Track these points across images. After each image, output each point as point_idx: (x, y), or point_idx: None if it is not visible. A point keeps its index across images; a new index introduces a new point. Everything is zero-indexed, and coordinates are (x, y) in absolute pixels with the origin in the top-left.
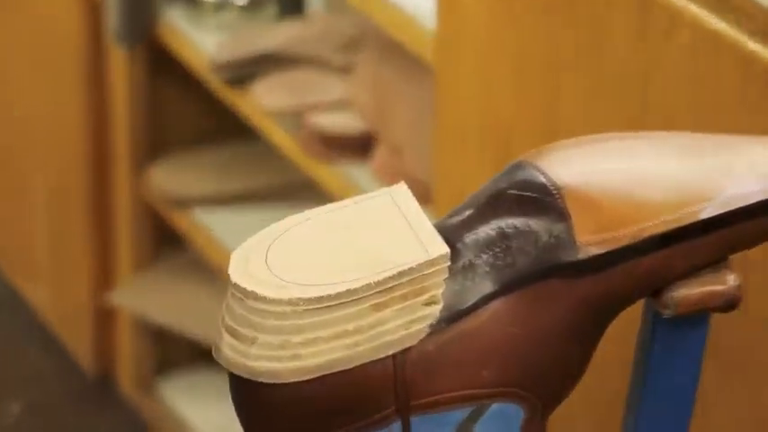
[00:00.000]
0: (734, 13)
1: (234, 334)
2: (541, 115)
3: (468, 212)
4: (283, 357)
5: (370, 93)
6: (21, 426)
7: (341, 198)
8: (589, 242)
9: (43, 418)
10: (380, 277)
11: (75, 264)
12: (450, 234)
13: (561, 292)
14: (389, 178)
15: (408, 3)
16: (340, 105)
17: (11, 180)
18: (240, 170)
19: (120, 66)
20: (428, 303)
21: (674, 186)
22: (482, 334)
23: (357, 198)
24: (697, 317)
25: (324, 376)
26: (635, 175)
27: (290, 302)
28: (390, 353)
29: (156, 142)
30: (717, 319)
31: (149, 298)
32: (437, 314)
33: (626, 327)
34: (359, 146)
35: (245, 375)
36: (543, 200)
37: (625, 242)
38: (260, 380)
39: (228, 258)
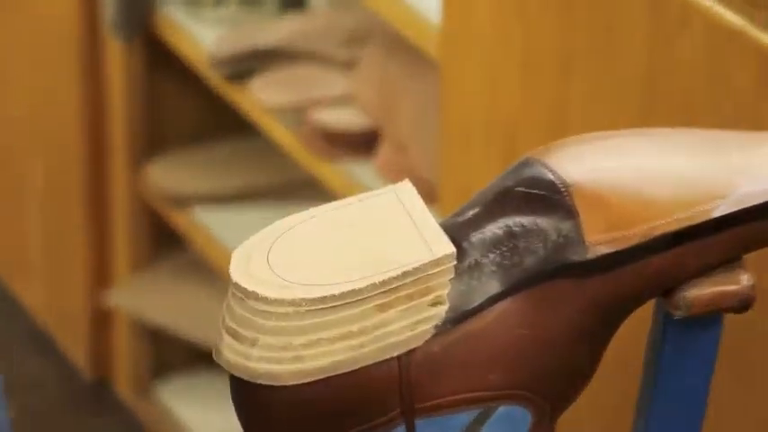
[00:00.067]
0: (748, 7)
1: (234, 335)
2: (549, 111)
3: (474, 211)
4: (285, 359)
5: (374, 88)
6: (15, 430)
7: (343, 196)
8: (598, 241)
9: (38, 422)
10: (385, 277)
11: (71, 264)
12: (456, 233)
13: (569, 293)
14: (394, 176)
15: None
16: (343, 101)
17: (4, 178)
18: (240, 167)
19: (117, 59)
20: (434, 304)
21: (685, 184)
22: (488, 335)
23: (361, 196)
24: (709, 318)
25: (327, 378)
26: (645, 172)
27: (292, 303)
28: (395, 354)
29: (154, 138)
30: (730, 319)
31: (147, 299)
32: (443, 315)
33: (635, 327)
34: (362, 143)
35: (246, 377)
36: (551, 198)
37: (635, 241)
38: (261, 382)
39: (228, 258)
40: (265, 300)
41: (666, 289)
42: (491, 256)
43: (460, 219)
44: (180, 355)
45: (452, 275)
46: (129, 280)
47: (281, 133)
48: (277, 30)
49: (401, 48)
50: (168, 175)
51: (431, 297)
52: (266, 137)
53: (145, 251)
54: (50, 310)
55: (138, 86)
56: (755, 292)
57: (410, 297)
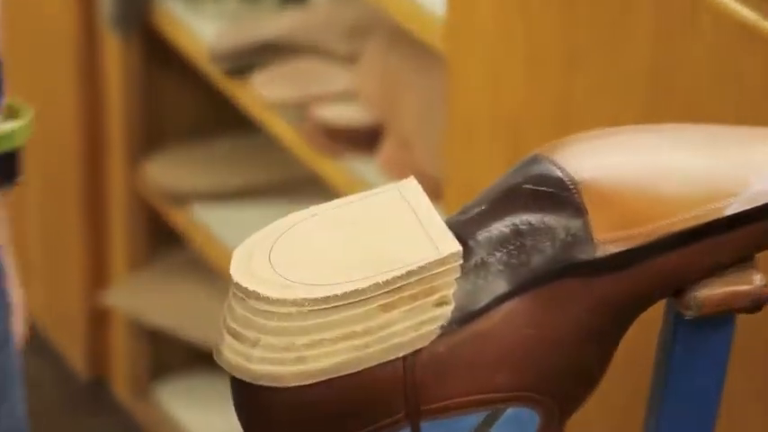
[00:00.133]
0: (760, 0)
1: (236, 336)
2: (553, 106)
3: (480, 208)
4: (287, 360)
5: (377, 83)
6: None
7: (346, 194)
8: (607, 240)
9: (35, 422)
10: (389, 277)
11: (68, 262)
12: (462, 231)
13: (578, 292)
14: (397, 173)
15: None
16: (345, 96)
17: None
18: (240, 164)
19: (115, 54)
20: (439, 304)
21: (697, 181)
22: (495, 335)
23: (365, 193)
24: (721, 318)
25: (330, 380)
26: (656, 169)
27: (294, 303)
28: (400, 355)
29: (153, 135)
30: (743, 319)
31: (145, 298)
32: (448, 315)
33: (645, 326)
34: (365, 139)
35: (248, 379)
36: (559, 195)
37: (645, 240)
38: (263, 383)
39: (229, 257)
40: (267, 300)
41: (677, 288)
42: (498, 254)
43: (466, 216)
44: (179, 356)
45: (458, 275)
46: (126, 279)
47: (282, 129)
48: (277, 23)
49: (404, 41)
50: (167, 172)
51: (436, 297)
52: (267, 133)
53: (143, 250)
54: (47, 309)
55: (136, 82)
56: None
57: (414, 297)
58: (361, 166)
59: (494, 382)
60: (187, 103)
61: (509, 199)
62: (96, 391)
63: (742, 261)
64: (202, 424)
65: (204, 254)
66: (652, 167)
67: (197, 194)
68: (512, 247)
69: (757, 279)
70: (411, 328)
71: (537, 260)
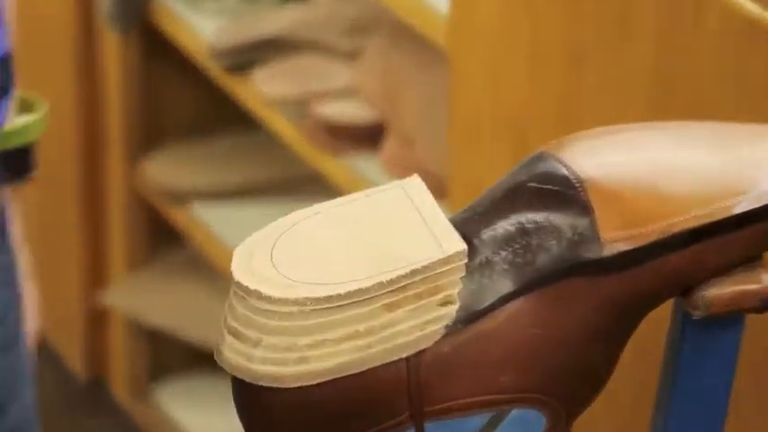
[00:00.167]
0: None
1: (237, 335)
2: (558, 103)
3: (485, 207)
4: (289, 360)
5: (380, 79)
6: None
7: (348, 192)
8: (614, 238)
9: None
10: (393, 276)
11: (66, 262)
12: (467, 230)
13: (585, 292)
14: (400, 171)
15: None
16: (347, 93)
17: None
18: (241, 162)
19: (113, 51)
20: (443, 303)
21: (705, 179)
22: (501, 335)
23: (368, 191)
24: (730, 318)
25: (333, 380)
26: (663, 167)
27: (296, 302)
28: (404, 355)
29: (152, 132)
30: (752, 319)
31: (144, 298)
32: (453, 314)
33: (652, 325)
34: (367, 136)
35: (249, 379)
36: (565, 193)
37: (653, 238)
38: (264, 384)
39: (228, 256)
40: (269, 299)
41: (685, 288)
42: (503, 253)
43: (471, 215)
44: (178, 357)
45: (463, 274)
46: (125, 278)
47: (283, 126)
48: (278, 19)
49: (406, 37)
50: (166, 170)
51: (440, 296)
52: (268, 130)
53: (142, 249)
54: (44, 309)
55: (135, 78)
56: None
57: (419, 296)
58: (362, 163)
59: (499, 383)
60: (187, 101)
61: (514, 197)
62: (95, 391)
63: (751, 260)
64: (202, 425)
65: (204, 253)
66: (659, 165)
67: (197, 193)
68: (517, 246)
69: (766, 278)
70: (415, 327)
71: (543, 259)
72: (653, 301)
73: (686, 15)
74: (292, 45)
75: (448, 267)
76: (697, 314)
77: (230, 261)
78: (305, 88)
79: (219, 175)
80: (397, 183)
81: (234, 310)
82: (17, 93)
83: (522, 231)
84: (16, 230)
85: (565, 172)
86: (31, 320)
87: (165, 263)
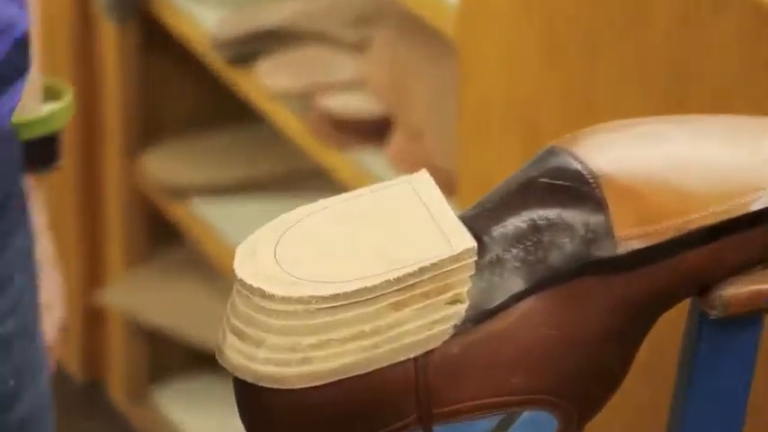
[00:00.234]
0: None
1: (239, 335)
2: (572, 95)
3: (495, 203)
4: (293, 361)
5: (386, 72)
6: None
7: (353, 188)
8: (629, 236)
9: None
10: (400, 274)
11: (62, 259)
12: (476, 226)
13: (598, 291)
14: (407, 166)
15: None
16: (352, 86)
17: None
18: (242, 156)
19: (111, 42)
20: (452, 302)
21: (722, 174)
22: (512, 335)
23: (374, 187)
24: (748, 317)
25: (338, 381)
26: (679, 162)
27: (300, 301)
28: (411, 356)
29: (150, 126)
30: None
31: (142, 297)
32: (462, 314)
33: (668, 324)
34: (373, 130)
35: (251, 380)
36: (579, 189)
37: (669, 236)
38: (267, 385)
39: (229, 253)
40: (272, 297)
41: (702, 287)
42: (514, 251)
43: (481, 211)
44: (178, 358)
45: (473, 272)
46: (123, 277)
47: (286, 120)
48: (282, 9)
49: (414, 28)
50: (165, 165)
51: (449, 295)
52: (270, 124)
53: (140, 246)
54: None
55: (133, 70)
56: None
57: (427, 295)
58: (368, 158)
59: (510, 385)
60: (187, 93)
61: (525, 193)
62: (91, 394)
63: None
64: (202, 428)
65: (204, 250)
66: (676, 160)
67: (197, 188)
68: (529, 244)
69: None
70: (423, 327)
71: (555, 257)
72: (669, 300)
73: (705, 4)
74: (297, 36)
75: (457, 265)
76: (714, 314)
77: (232, 258)
78: (309, 80)
79: (220, 170)
80: (404, 178)
81: (236, 309)
82: (43, 80)
83: (534, 228)
84: (39, 219)
85: (578, 167)
86: (56, 309)
87: (164, 261)
